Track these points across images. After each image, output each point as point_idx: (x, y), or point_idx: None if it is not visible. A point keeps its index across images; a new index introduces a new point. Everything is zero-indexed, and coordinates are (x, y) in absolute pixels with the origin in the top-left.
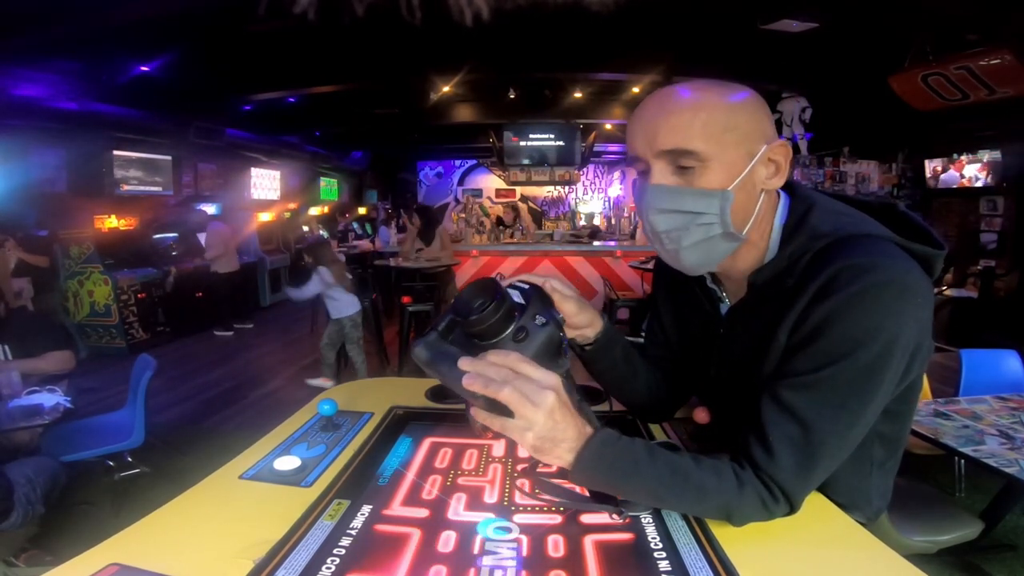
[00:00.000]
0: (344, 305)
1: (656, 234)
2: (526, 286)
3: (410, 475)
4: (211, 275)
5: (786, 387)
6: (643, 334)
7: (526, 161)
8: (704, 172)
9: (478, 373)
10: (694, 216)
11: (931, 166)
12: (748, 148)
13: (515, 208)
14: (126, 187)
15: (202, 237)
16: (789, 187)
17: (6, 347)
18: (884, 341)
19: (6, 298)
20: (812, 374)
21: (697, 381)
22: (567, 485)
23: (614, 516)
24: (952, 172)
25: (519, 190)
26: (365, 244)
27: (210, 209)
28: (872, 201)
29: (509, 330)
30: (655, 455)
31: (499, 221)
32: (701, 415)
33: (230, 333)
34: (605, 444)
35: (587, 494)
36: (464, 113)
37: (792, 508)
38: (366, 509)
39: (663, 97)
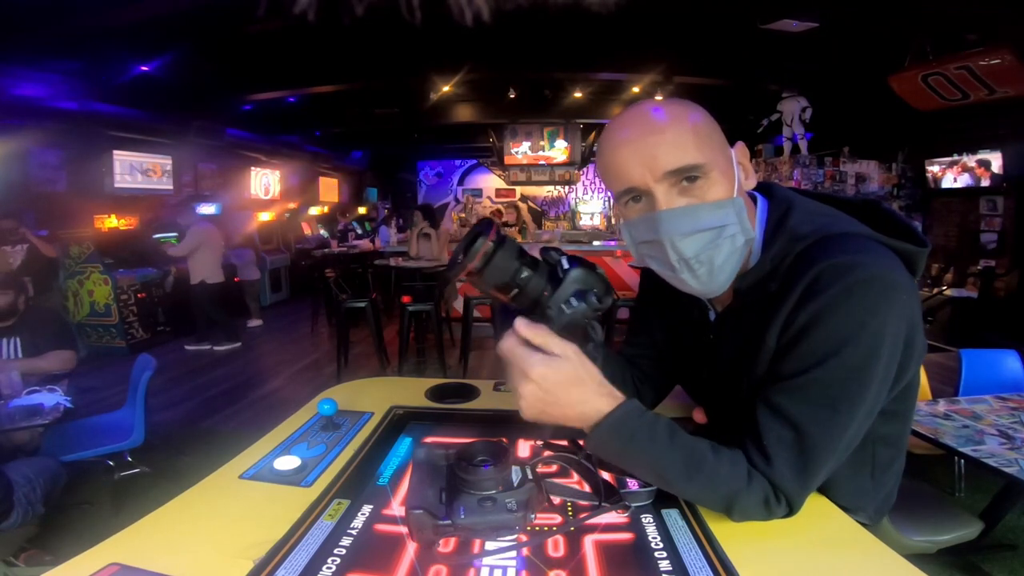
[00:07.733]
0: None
1: (685, 261)
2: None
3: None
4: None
5: (777, 391)
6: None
7: (526, 161)
8: (709, 185)
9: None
10: (718, 231)
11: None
12: (727, 153)
13: (516, 207)
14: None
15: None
16: (767, 190)
17: (16, 340)
18: (870, 339)
19: (24, 291)
20: (800, 376)
21: (688, 384)
22: (573, 485)
23: (619, 511)
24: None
25: (519, 190)
26: (365, 244)
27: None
28: (854, 199)
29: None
30: (675, 435)
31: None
32: (699, 415)
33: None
34: (629, 415)
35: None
36: (464, 113)
37: (791, 511)
38: (366, 509)
39: (643, 120)
